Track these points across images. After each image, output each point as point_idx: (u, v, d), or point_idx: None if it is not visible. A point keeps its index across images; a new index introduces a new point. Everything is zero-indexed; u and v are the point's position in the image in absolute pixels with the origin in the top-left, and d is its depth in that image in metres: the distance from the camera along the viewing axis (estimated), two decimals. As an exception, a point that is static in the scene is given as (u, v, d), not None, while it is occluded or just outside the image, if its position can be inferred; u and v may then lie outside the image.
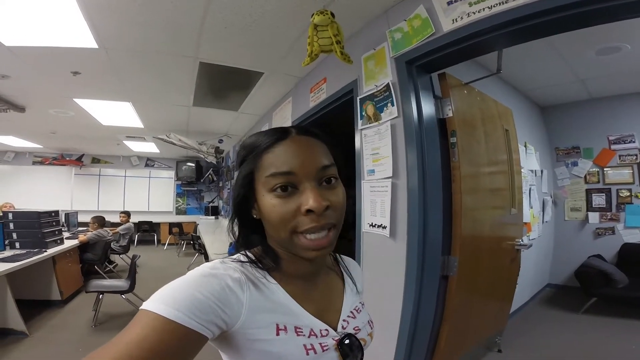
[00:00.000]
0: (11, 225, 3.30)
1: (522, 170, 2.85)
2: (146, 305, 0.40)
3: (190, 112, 3.90)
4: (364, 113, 1.75)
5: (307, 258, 0.49)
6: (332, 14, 1.47)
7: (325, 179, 0.49)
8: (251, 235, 0.56)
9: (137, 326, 0.37)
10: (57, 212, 3.79)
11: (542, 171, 3.57)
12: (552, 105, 3.74)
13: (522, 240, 2.49)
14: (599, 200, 3.57)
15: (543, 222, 3.56)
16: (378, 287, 1.57)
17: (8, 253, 3.09)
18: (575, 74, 2.88)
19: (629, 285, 3.03)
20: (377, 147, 1.62)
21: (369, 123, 1.70)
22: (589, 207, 3.62)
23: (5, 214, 3.36)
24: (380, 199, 1.55)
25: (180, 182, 8.60)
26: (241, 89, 3.11)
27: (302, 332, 0.49)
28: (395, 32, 1.57)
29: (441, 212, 1.47)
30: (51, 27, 1.95)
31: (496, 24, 1.14)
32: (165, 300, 0.39)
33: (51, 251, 3.35)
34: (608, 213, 3.50)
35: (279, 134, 0.51)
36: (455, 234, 1.56)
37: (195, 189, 8.78)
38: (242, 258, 0.52)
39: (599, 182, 3.56)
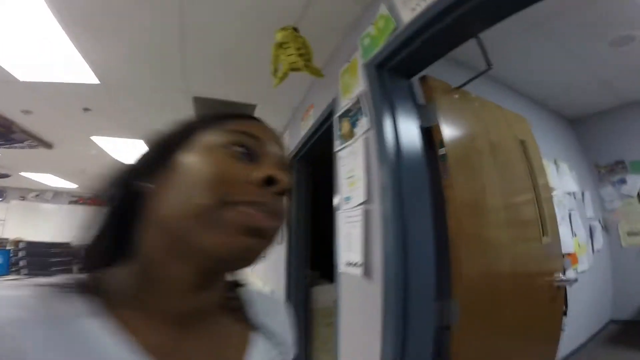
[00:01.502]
0: (20, 254, 3.48)
1: (555, 192, 2.44)
2: None
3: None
4: (340, 132, 1.54)
5: (225, 251, 0.32)
6: (295, 29, 1.41)
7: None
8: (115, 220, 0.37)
9: None
10: (69, 244, 3.91)
11: (582, 193, 3.06)
12: (580, 117, 3.30)
13: (564, 275, 2.03)
14: (661, 220, 2.95)
15: (594, 251, 3.00)
16: (355, 341, 1.25)
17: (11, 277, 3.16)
18: (595, 74, 2.49)
19: None
20: (352, 168, 1.38)
21: (345, 142, 1.48)
22: (651, 231, 3.00)
23: (18, 243, 3.58)
24: (355, 231, 1.28)
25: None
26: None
27: None
28: (365, 38, 1.40)
29: (432, 244, 1.16)
30: (55, 62, 2.01)
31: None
32: None
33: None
34: (677, 235, 2.87)
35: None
36: (455, 271, 1.22)
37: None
38: (45, 280, 0.32)
39: (657, 199, 2.96)
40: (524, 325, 1.67)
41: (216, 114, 0.42)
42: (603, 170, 3.26)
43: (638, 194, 3.07)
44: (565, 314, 2.16)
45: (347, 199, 1.39)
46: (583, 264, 2.76)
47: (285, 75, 1.46)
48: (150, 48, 1.84)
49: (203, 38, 1.76)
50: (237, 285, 0.47)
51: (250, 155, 0.36)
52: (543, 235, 1.86)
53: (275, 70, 1.48)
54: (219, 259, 0.32)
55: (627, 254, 3.13)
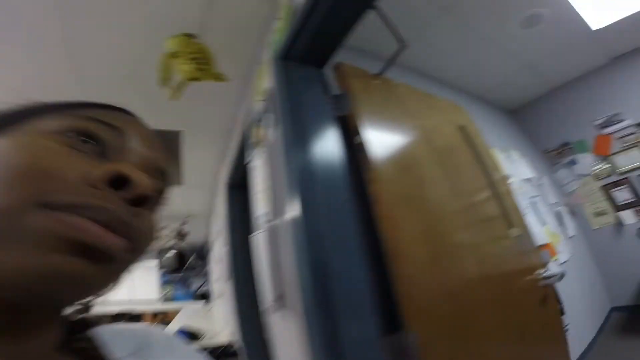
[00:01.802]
0: None
1: (512, 180, 2.32)
2: None
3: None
4: (252, 141, 1.30)
5: (21, 276, 0.19)
6: (190, 35, 1.29)
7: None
8: None
9: None
10: None
11: (540, 179, 3.01)
12: (518, 108, 3.45)
13: (547, 270, 1.82)
14: (622, 195, 2.89)
15: (568, 238, 2.88)
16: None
17: None
18: (516, 59, 2.53)
19: None
20: (264, 178, 1.12)
21: (257, 150, 1.23)
22: (616, 207, 2.94)
23: None
24: (265, 254, 0.99)
25: (164, 271, 8.14)
26: (169, 156, 2.74)
27: None
28: (273, 34, 1.26)
29: (362, 260, 0.88)
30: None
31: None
32: None
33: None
34: (641, 205, 2.81)
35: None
36: (402, 292, 0.93)
37: (181, 275, 8.31)
38: None
39: (611, 174, 2.94)
40: (516, 338, 1.39)
41: (72, 100, 0.31)
42: (552, 154, 3.26)
43: (593, 172, 3.06)
44: (562, 312, 1.93)
45: (261, 216, 1.11)
46: (564, 254, 2.62)
47: (182, 86, 1.32)
48: (42, 79, 1.61)
49: (97, 62, 1.57)
50: (86, 324, 0.32)
51: (101, 150, 0.26)
52: (510, 227, 1.67)
53: (165, 80, 1.29)
54: (13, 289, 0.20)
55: (601, 236, 3.06)
